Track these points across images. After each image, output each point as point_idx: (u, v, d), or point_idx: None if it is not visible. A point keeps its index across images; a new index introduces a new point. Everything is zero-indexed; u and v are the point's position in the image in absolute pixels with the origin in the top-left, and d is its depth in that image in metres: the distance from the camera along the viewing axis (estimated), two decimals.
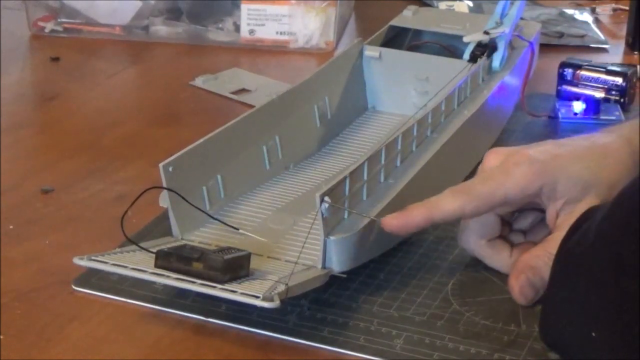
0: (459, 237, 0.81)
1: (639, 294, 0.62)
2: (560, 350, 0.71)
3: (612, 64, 1.15)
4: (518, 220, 0.82)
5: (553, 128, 1.08)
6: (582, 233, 0.69)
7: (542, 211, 0.79)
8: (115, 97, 1.21)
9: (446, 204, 0.76)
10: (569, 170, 0.75)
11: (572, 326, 0.68)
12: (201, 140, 0.84)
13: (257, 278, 0.74)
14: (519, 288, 0.75)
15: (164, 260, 0.74)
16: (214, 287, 0.71)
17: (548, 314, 0.71)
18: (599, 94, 1.12)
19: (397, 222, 0.76)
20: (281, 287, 0.71)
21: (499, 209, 0.78)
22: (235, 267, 0.73)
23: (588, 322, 0.66)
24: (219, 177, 0.86)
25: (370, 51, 1.07)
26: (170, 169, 0.80)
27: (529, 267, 0.75)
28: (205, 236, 0.82)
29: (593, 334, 0.65)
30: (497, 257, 0.80)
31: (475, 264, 0.83)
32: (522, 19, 1.11)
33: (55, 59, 1.28)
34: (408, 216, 0.76)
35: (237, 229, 0.82)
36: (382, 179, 0.85)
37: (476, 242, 0.80)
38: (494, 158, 0.79)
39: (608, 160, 0.76)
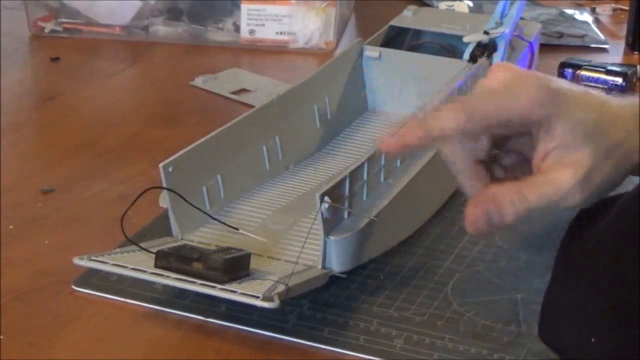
0: (445, 149, 0.72)
1: (639, 303, 0.62)
2: (560, 351, 0.71)
3: (612, 64, 1.15)
4: (501, 157, 0.75)
5: None
6: (584, 237, 0.69)
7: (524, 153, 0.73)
8: (115, 97, 1.21)
9: (445, 120, 0.69)
10: (577, 114, 0.68)
11: (572, 330, 0.67)
12: (201, 140, 0.84)
13: (257, 278, 0.74)
14: (473, 218, 0.68)
15: (164, 260, 0.74)
16: (214, 287, 0.71)
17: (548, 315, 0.71)
18: None
19: (392, 141, 0.70)
20: (281, 287, 0.71)
21: (496, 130, 0.71)
22: (235, 267, 0.73)
23: (588, 328, 0.65)
24: (219, 177, 0.86)
25: (370, 51, 1.07)
26: (170, 169, 0.80)
27: (494, 200, 0.69)
28: (205, 236, 0.82)
29: (592, 340, 0.65)
30: (475, 183, 0.72)
31: (475, 263, 0.83)
32: (522, 19, 1.11)
33: (55, 59, 1.28)
34: (404, 135, 0.70)
35: (237, 229, 0.82)
36: (382, 179, 0.85)
37: (463, 159, 0.72)
38: (501, 74, 0.71)
39: (616, 125, 0.71)
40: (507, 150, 0.73)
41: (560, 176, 0.68)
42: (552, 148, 0.69)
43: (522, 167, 0.73)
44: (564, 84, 0.70)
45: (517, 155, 0.73)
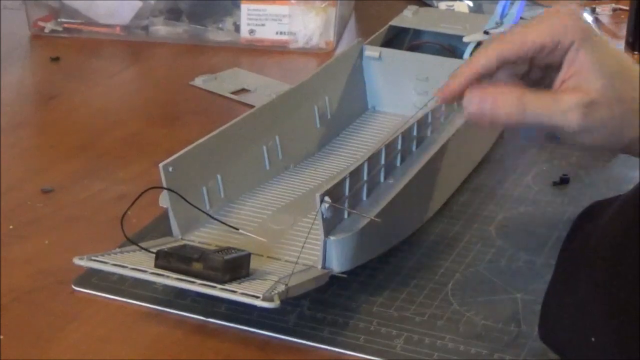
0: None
1: (638, 303, 0.62)
2: (559, 350, 0.71)
3: None
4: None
5: None
6: (584, 237, 0.69)
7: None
8: (115, 97, 1.21)
9: (484, 55, 0.72)
10: (600, 56, 0.71)
11: (572, 330, 0.67)
12: (201, 140, 0.84)
13: (257, 278, 0.74)
14: (469, 98, 0.71)
15: (164, 260, 0.74)
16: (214, 287, 0.71)
17: (548, 315, 0.71)
18: None
19: (446, 91, 0.73)
20: (281, 287, 0.71)
21: (531, 54, 0.73)
22: (235, 267, 0.73)
23: (587, 327, 0.65)
24: (219, 177, 0.86)
25: (370, 51, 1.07)
26: (170, 169, 0.80)
27: (494, 92, 0.71)
28: (205, 236, 0.82)
29: (592, 339, 0.65)
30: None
31: (475, 263, 0.84)
32: (522, 19, 1.11)
33: (55, 59, 1.28)
34: (453, 81, 0.73)
35: (237, 229, 0.82)
36: (382, 179, 0.85)
37: (489, 61, 0.73)
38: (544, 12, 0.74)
39: (630, 86, 0.71)
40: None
41: (564, 96, 0.70)
42: (569, 76, 0.71)
43: None
44: (595, 30, 0.72)
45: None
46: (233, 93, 1.18)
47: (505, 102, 0.70)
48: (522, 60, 0.73)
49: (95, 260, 0.75)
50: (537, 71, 0.74)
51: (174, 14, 1.36)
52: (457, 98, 0.73)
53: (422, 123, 0.91)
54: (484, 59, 0.72)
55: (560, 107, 0.69)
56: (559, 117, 0.70)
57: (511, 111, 0.70)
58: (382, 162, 0.84)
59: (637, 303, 0.62)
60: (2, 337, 0.74)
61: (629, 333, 0.63)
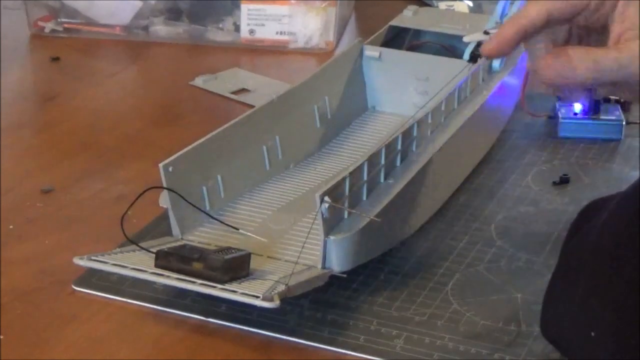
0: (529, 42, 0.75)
1: (638, 298, 0.62)
2: (560, 346, 0.71)
3: None
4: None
5: (553, 128, 1.08)
6: (584, 233, 0.69)
7: None
8: (115, 97, 1.21)
9: (532, 11, 0.71)
10: None
11: (572, 324, 0.68)
12: (201, 140, 0.84)
13: (257, 278, 0.74)
14: (546, 65, 0.71)
15: (164, 260, 0.74)
16: (214, 287, 0.71)
17: (549, 310, 0.71)
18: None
19: (492, 46, 0.74)
20: (281, 287, 0.71)
21: (577, 17, 0.72)
22: (235, 267, 0.73)
23: (587, 322, 0.66)
24: (219, 177, 0.86)
25: (370, 51, 1.07)
26: (170, 169, 0.80)
27: (566, 54, 0.70)
28: (205, 236, 0.82)
29: (592, 334, 0.65)
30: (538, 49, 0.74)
31: (475, 263, 0.84)
32: None
33: (55, 59, 1.28)
34: (501, 36, 0.73)
35: (237, 229, 0.82)
36: (382, 179, 0.85)
37: (545, 46, 0.73)
38: None
39: None
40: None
41: (633, 45, 0.68)
42: (624, 29, 0.70)
43: None
44: None
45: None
46: (233, 93, 1.18)
47: (581, 62, 0.69)
48: (567, 20, 0.72)
49: (95, 260, 0.75)
50: (576, 37, 0.73)
51: (174, 14, 1.36)
52: (505, 52, 0.73)
53: (422, 123, 0.91)
54: (535, 12, 0.71)
55: (631, 55, 0.68)
56: (632, 68, 0.68)
57: (588, 70, 0.69)
58: (382, 162, 0.84)
59: (636, 298, 0.62)
60: (2, 337, 0.74)
61: (629, 328, 0.63)
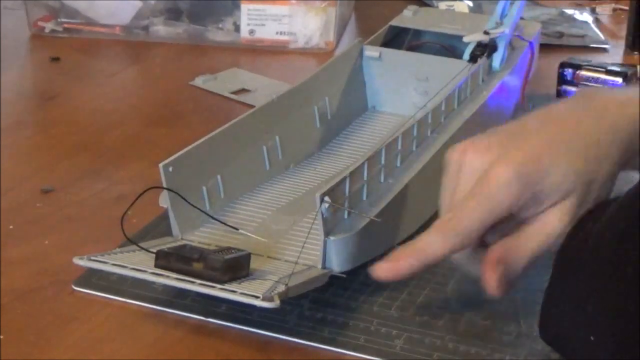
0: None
1: (638, 303, 0.62)
2: (559, 348, 0.71)
3: (612, 64, 1.15)
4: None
5: None
6: (583, 237, 0.69)
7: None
8: (115, 97, 1.21)
9: (436, 247, 0.71)
10: (553, 179, 0.71)
11: (571, 328, 0.67)
12: (201, 140, 0.84)
13: (257, 278, 0.74)
14: (498, 280, 0.71)
15: (164, 260, 0.74)
16: (214, 287, 0.71)
17: (548, 312, 0.71)
18: None
19: (386, 272, 0.73)
20: (281, 287, 0.71)
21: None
22: (235, 267, 0.73)
23: (587, 326, 0.65)
24: (219, 177, 0.86)
25: (370, 51, 1.07)
26: (170, 169, 0.80)
27: (503, 259, 0.72)
28: (205, 236, 0.82)
29: (592, 338, 0.65)
30: (476, 265, 0.75)
31: None
32: (522, 19, 1.11)
33: (55, 59, 1.28)
34: (398, 265, 0.72)
35: (237, 229, 0.82)
36: (382, 179, 0.85)
37: (463, 257, 0.75)
38: (474, 156, 0.73)
39: (590, 152, 0.72)
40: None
41: (551, 219, 0.71)
42: (540, 211, 0.72)
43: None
44: (536, 146, 0.71)
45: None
46: (233, 93, 1.18)
47: (515, 256, 0.72)
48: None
49: (95, 260, 0.75)
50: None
51: (174, 14, 1.36)
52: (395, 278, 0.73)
53: (422, 123, 0.91)
54: (438, 253, 0.71)
55: (550, 235, 0.71)
56: (553, 245, 0.71)
57: (524, 264, 0.72)
58: (382, 162, 0.84)
59: (636, 302, 0.62)
60: (2, 337, 0.74)
61: (629, 332, 0.63)
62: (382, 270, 0.73)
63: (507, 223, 0.74)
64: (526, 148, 0.72)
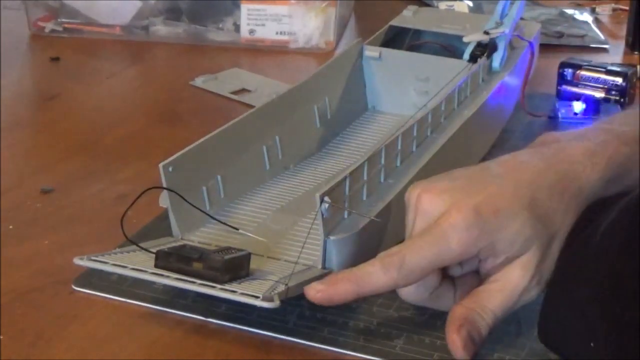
0: (399, 292, 0.73)
1: (638, 310, 0.62)
2: (559, 352, 0.71)
3: (612, 64, 1.15)
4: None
5: (553, 128, 1.08)
6: (584, 241, 0.69)
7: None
8: (115, 97, 1.21)
9: (376, 278, 0.69)
10: (512, 227, 0.69)
11: (571, 334, 0.67)
12: (201, 140, 0.84)
13: (257, 278, 0.74)
14: (463, 343, 0.69)
15: (164, 260, 0.74)
16: (214, 287, 0.71)
17: (548, 317, 0.71)
18: (599, 94, 1.12)
19: (321, 295, 0.70)
20: (281, 287, 0.71)
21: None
22: (235, 267, 0.73)
23: (587, 333, 0.65)
24: (219, 177, 0.86)
25: (370, 51, 1.07)
26: (170, 169, 0.80)
27: (467, 320, 0.70)
28: (205, 236, 0.82)
29: (592, 344, 0.65)
30: (444, 302, 0.74)
31: None
32: (522, 19, 1.11)
33: (55, 59, 1.28)
34: (334, 289, 0.70)
35: (237, 229, 0.82)
36: (382, 179, 0.85)
37: (419, 297, 0.73)
38: (428, 200, 0.71)
39: (552, 206, 0.70)
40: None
41: (512, 276, 0.70)
42: (498, 263, 0.71)
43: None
44: (491, 197, 0.70)
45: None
46: (233, 93, 1.18)
47: (476, 317, 0.70)
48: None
49: (95, 260, 0.75)
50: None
51: (174, 14, 1.36)
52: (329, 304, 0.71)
53: (422, 123, 0.91)
54: (377, 283, 0.69)
55: (515, 291, 0.70)
56: (520, 300, 0.71)
57: (490, 324, 0.70)
58: (382, 162, 0.84)
59: (637, 309, 0.62)
60: (2, 337, 0.74)
61: (629, 340, 0.62)
62: (315, 291, 0.70)
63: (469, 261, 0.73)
64: (484, 195, 0.70)
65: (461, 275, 0.74)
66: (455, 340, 0.69)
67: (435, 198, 0.71)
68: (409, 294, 0.73)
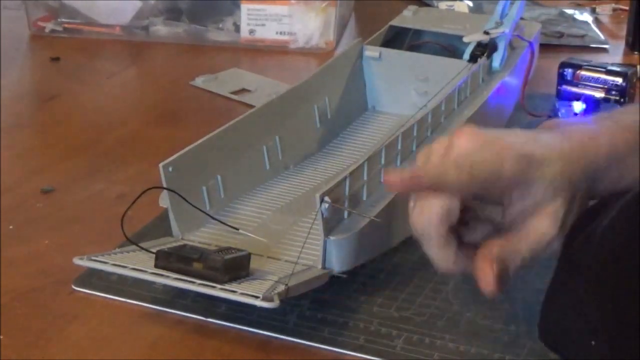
0: (415, 213, 0.72)
1: (638, 309, 0.62)
2: (559, 352, 0.71)
3: (612, 64, 1.15)
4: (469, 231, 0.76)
5: None
6: (584, 240, 0.69)
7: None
8: (115, 97, 1.21)
9: (450, 178, 0.69)
10: (547, 173, 0.71)
11: (572, 332, 0.67)
12: (201, 140, 0.84)
13: (257, 278, 0.74)
14: (497, 277, 0.70)
15: (164, 260, 0.74)
16: (214, 287, 0.71)
17: (548, 316, 0.71)
18: (599, 94, 1.12)
19: (402, 184, 0.70)
20: (281, 287, 0.71)
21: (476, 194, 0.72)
22: (235, 267, 0.73)
23: (587, 331, 0.65)
24: (219, 177, 0.86)
25: (370, 51, 1.07)
26: (170, 169, 0.80)
27: (499, 258, 0.70)
28: (205, 236, 0.82)
29: (592, 343, 0.65)
30: (443, 249, 0.72)
31: None
32: (522, 19, 1.11)
33: (55, 59, 1.28)
34: (409, 177, 0.70)
35: (237, 229, 0.82)
36: (382, 179, 0.85)
37: (437, 224, 0.71)
38: (468, 141, 0.71)
39: (575, 165, 0.71)
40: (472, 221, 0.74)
41: (540, 225, 0.70)
42: (527, 206, 0.71)
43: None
44: (528, 140, 0.71)
45: (485, 228, 0.74)
46: (233, 93, 1.18)
47: (508, 256, 0.70)
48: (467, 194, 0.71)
49: (95, 260, 0.75)
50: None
51: (174, 14, 1.36)
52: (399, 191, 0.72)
53: (422, 123, 0.91)
54: (450, 182, 0.69)
55: (544, 238, 0.70)
56: (545, 249, 0.71)
57: (517, 265, 0.70)
58: (382, 162, 0.84)
59: (637, 307, 0.62)
60: (2, 337, 0.74)
61: (630, 338, 0.62)
62: (399, 179, 0.70)
63: (489, 224, 0.73)
64: (529, 136, 0.72)
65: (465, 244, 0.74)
66: (488, 274, 0.70)
67: (475, 136, 0.71)
68: (429, 218, 0.71)
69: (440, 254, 0.72)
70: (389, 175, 0.70)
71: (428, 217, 0.71)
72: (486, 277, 0.70)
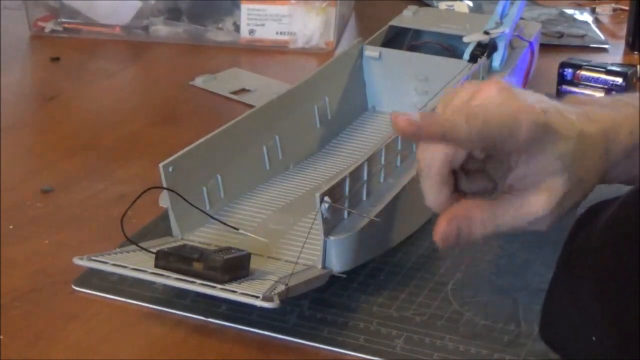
0: (421, 148, 0.71)
1: (639, 306, 0.62)
2: (560, 350, 0.71)
3: (612, 64, 1.15)
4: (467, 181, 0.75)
5: None
6: (585, 237, 0.69)
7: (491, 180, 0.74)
8: (115, 97, 1.21)
9: (462, 130, 0.67)
10: (559, 147, 0.69)
11: (573, 329, 0.67)
12: (201, 140, 0.84)
13: (257, 278, 0.74)
14: (444, 233, 0.69)
15: (164, 260, 0.74)
16: (214, 287, 0.71)
17: (549, 313, 0.71)
18: (599, 94, 1.12)
19: (411, 128, 0.67)
20: (281, 287, 0.71)
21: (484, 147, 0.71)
22: (235, 267, 0.73)
23: (589, 327, 0.65)
24: (219, 177, 0.86)
25: (370, 51, 1.07)
26: (170, 169, 0.80)
27: (466, 217, 0.70)
28: (205, 236, 0.82)
29: (593, 338, 0.65)
30: (439, 189, 0.72)
31: (476, 263, 0.83)
32: (522, 19, 1.11)
33: (55, 59, 1.28)
34: (425, 129, 0.67)
35: (237, 229, 0.82)
36: (382, 179, 0.85)
37: (440, 165, 0.71)
38: (494, 92, 0.70)
39: (588, 152, 0.71)
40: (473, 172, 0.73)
41: (536, 201, 0.70)
42: (530, 174, 0.70)
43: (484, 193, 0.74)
44: (551, 109, 0.70)
45: (482, 183, 0.74)
46: (233, 93, 1.18)
47: (478, 218, 0.70)
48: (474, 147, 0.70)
49: (95, 260, 0.75)
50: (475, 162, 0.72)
51: (174, 14, 1.36)
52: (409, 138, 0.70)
53: None
54: (461, 135, 0.67)
55: (531, 214, 0.70)
56: (529, 225, 0.70)
57: (487, 226, 0.70)
58: (382, 162, 0.84)
59: (637, 303, 0.62)
60: (2, 337, 0.74)
61: (630, 333, 0.62)
62: (408, 122, 0.67)
63: (488, 180, 0.73)
64: (556, 107, 0.70)
65: (461, 192, 0.73)
66: (439, 227, 0.70)
67: (503, 89, 0.70)
68: (434, 157, 0.71)
69: (434, 191, 0.71)
70: (397, 116, 0.67)
71: (433, 154, 0.71)
72: (436, 229, 0.70)
